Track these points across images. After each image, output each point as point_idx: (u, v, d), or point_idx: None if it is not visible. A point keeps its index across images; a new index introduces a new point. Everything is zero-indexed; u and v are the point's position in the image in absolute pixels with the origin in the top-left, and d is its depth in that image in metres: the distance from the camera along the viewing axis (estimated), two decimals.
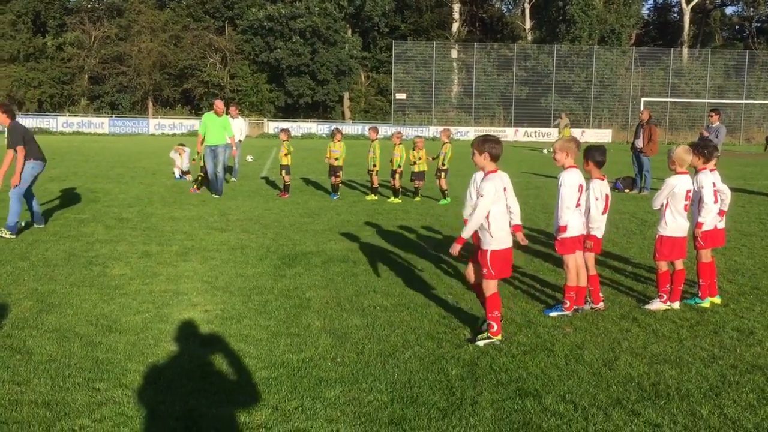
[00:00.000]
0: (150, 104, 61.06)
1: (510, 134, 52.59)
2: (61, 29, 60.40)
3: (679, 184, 6.47)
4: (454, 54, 61.38)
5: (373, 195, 14.95)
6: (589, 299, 6.53)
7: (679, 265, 6.63)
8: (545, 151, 34.16)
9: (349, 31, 62.36)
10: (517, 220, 5.82)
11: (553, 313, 6.32)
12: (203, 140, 14.85)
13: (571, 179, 6.15)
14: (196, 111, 60.00)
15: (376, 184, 15.10)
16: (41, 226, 10.18)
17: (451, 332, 5.80)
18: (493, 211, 5.43)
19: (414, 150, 14.81)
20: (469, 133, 52.74)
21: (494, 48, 60.14)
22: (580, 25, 57.69)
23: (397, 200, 14.46)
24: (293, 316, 6.15)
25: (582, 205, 6.32)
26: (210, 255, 8.68)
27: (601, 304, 6.51)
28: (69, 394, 4.37)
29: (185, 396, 4.38)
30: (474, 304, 6.49)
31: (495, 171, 5.55)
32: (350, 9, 59.45)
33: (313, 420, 4.11)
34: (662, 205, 6.55)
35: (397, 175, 14.60)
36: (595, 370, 5.00)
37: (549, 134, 49.00)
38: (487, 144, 5.55)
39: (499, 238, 5.48)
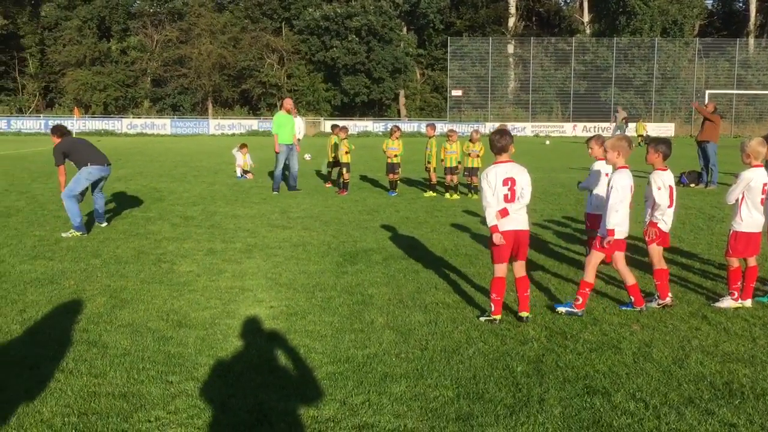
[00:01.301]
0: (210, 105, 62.32)
1: (568, 129, 51.80)
2: (125, 34, 62.19)
3: (755, 178, 6.27)
4: (511, 49, 60.80)
5: (431, 192, 14.94)
6: (656, 294, 6.39)
7: (752, 261, 6.42)
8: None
9: (405, 29, 62.39)
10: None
11: (561, 309, 6.22)
12: (278, 139, 15.30)
13: (622, 181, 6.05)
14: (254, 111, 61.02)
15: (434, 180, 15.08)
16: (102, 225, 10.52)
17: (514, 329, 5.76)
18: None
19: (470, 142, 14.72)
20: (526, 129, 52.17)
21: (551, 42, 59.36)
22: (641, 16, 56.42)
23: (456, 196, 14.43)
24: (356, 313, 6.20)
25: (629, 207, 6.20)
26: (273, 252, 8.82)
27: (668, 299, 6.36)
28: (144, 387, 4.51)
29: (254, 389, 4.48)
30: (534, 300, 6.45)
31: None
32: (405, 6, 59.46)
33: (380, 415, 4.15)
34: (737, 200, 6.36)
35: (454, 173, 14.59)
36: (665, 369, 4.89)
37: (608, 129, 48.05)
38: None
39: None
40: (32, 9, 66.27)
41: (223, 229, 10.51)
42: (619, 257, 6.22)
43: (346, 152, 15.05)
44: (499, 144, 5.91)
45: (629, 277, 6.21)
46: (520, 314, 5.98)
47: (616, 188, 6.00)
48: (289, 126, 15.48)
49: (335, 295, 6.76)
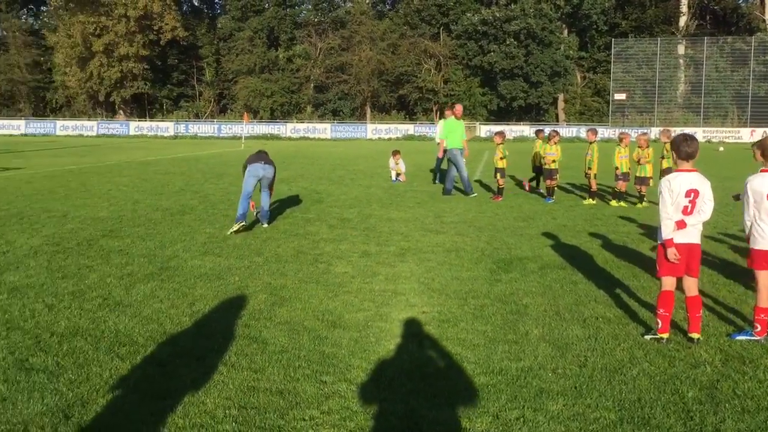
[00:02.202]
0: (368, 110, 63.96)
1: (745, 135, 48.03)
2: (291, 42, 65.27)
3: None
4: (681, 50, 57.36)
5: (591, 199, 14.34)
6: None
7: None
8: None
9: (566, 31, 60.71)
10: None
11: (741, 337, 5.58)
12: (445, 144, 16.01)
13: (760, 185, 5.47)
14: (411, 116, 61.82)
15: (594, 187, 14.47)
16: (264, 224, 10.97)
17: (683, 350, 5.33)
18: None
19: (639, 148, 14.01)
20: (697, 134, 48.91)
21: (728, 42, 55.33)
22: None
23: (622, 204, 13.78)
24: (510, 323, 6.01)
25: None
26: (426, 256, 8.80)
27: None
28: (299, 385, 4.61)
29: (406, 395, 4.44)
30: (706, 321, 5.94)
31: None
32: (567, 8, 57.86)
33: None
34: None
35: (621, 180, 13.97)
36: None
37: None
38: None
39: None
40: (210, 21, 71.38)
41: (378, 232, 10.66)
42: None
43: (501, 158, 14.82)
44: (688, 149, 5.48)
45: (763, 298, 5.58)
46: (690, 335, 5.53)
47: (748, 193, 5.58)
48: (459, 131, 15.93)
49: (488, 303, 6.61)
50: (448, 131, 15.95)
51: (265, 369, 4.89)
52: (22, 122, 58.95)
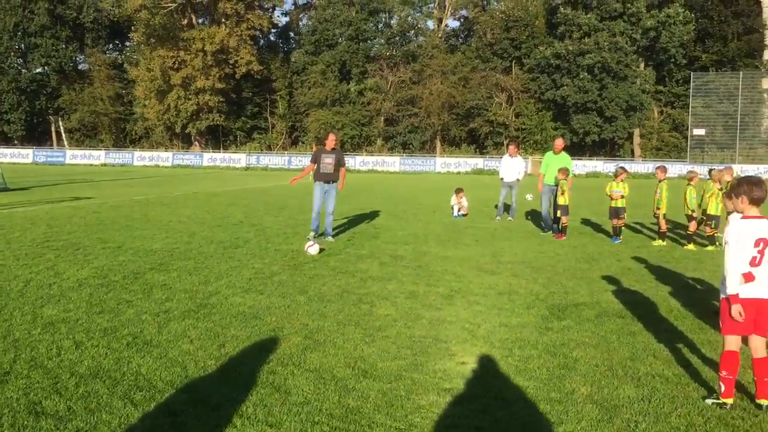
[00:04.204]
0: (438, 143, 63.79)
1: None
2: (363, 76, 65.98)
3: None
4: (766, 84, 55.01)
5: (660, 240, 13.57)
6: None
7: None
8: None
9: (642, 65, 59.21)
10: None
11: None
12: (543, 178, 15.68)
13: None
14: (481, 149, 61.32)
15: (663, 228, 13.70)
16: (329, 239, 13.08)
17: (750, 418, 4.73)
18: None
19: (712, 183, 13.26)
20: None
21: None
22: None
23: (691, 247, 12.97)
24: (556, 378, 5.52)
25: None
26: (475, 299, 8.36)
27: None
28: None
29: None
30: None
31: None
32: (643, 41, 56.48)
33: None
34: None
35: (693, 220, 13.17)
36: None
37: None
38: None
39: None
40: (284, 56, 73.02)
41: (430, 271, 10.27)
42: None
43: (562, 193, 14.27)
44: (759, 194, 4.95)
45: None
46: (758, 401, 4.93)
47: None
48: (555, 165, 15.33)
49: (535, 355, 6.12)
50: (546, 166, 15.62)
51: (282, 423, 4.57)
52: (102, 152, 61.41)
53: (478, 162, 54.68)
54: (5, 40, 69.58)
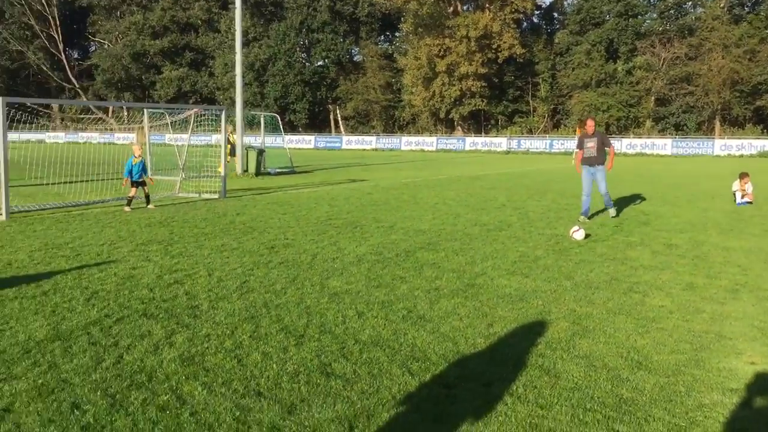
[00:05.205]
0: (717, 123, 58.35)
1: None
2: (632, 54, 62.52)
3: None
4: None
5: None
6: None
7: None
8: None
9: None
10: None
11: None
12: None
13: None
14: None
15: None
16: (613, 214, 13.92)
17: None
18: None
19: None
20: None
21: None
22: None
23: None
24: None
25: None
26: (766, 296, 7.54)
27: None
28: (586, 429, 4.19)
29: None
30: None
31: None
32: None
33: None
34: None
35: None
36: None
37: None
38: None
39: None
40: (547, 37, 71.70)
41: (709, 262, 9.46)
42: None
43: None
44: None
45: None
46: None
47: None
48: None
49: None
50: None
51: (552, 406, 4.54)
52: (373, 138, 65.54)
53: (766, 143, 48.92)
54: (292, 37, 77.04)
